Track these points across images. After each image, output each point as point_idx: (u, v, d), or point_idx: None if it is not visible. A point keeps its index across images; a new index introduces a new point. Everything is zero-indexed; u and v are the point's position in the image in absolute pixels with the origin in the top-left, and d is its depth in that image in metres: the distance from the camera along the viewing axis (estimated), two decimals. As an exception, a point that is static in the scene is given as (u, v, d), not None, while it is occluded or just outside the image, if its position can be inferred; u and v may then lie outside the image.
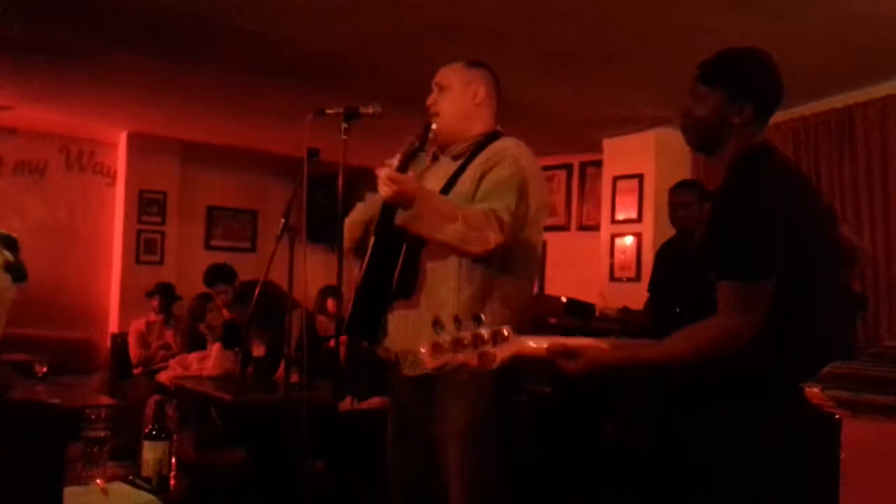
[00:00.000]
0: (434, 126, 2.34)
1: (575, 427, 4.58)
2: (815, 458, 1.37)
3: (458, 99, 2.42)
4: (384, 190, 2.16)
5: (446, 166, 2.43)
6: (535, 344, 1.73)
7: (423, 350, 1.69)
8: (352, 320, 2.50)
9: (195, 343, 5.68)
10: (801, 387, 1.09)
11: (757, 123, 1.90)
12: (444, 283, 2.28)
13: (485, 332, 1.66)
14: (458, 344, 1.66)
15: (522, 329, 2.29)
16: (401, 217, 2.18)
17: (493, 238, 2.16)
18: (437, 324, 1.69)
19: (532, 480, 2.49)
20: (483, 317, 1.69)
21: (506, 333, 1.68)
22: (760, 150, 1.88)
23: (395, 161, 2.28)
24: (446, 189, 2.34)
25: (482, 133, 2.42)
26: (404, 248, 2.32)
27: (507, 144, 2.38)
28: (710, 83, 1.91)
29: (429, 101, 2.46)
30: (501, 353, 1.67)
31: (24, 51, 4.39)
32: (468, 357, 1.66)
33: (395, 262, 2.33)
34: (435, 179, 2.41)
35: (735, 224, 1.79)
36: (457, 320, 1.69)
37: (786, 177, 1.88)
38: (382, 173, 2.17)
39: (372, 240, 2.42)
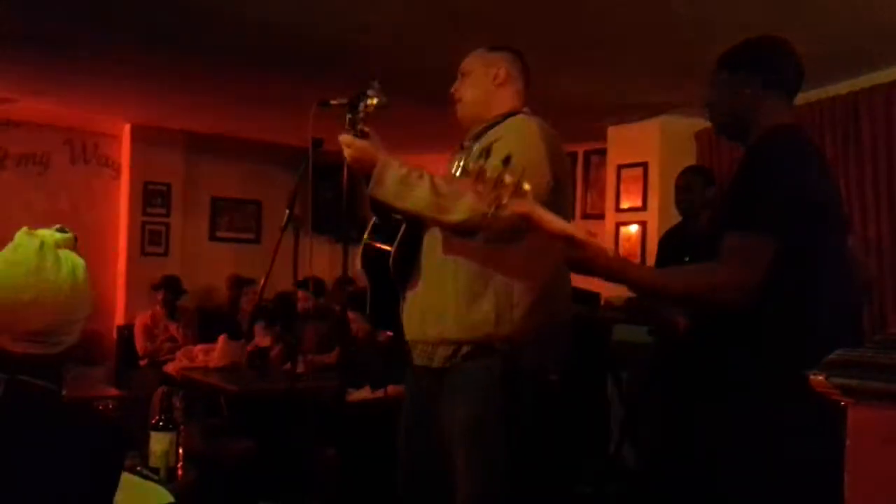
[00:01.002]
0: (376, 85, 2.22)
1: (581, 416, 4.58)
2: (822, 445, 1.37)
3: (479, 82, 2.40)
4: (345, 153, 2.16)
5: (468, 151, 2.39)
6: (549, 217, 1.68)
7: (456, 167, 1.64)
8: (371, 311, 2.49)
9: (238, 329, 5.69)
10: (807, 375, 1.09)
11: (775, 99, 1.91)
12: (443, 265, 2.23)
13: (508, 178, 1.60)
14: (481, 174, 1.61)
15: (543, 303, 2.24)
16: (369, 187, 2.14)
17: (473, 203, 2.01)
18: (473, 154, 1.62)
19: (538, 472, 2.47)
20: (515, 157, 1.62)
21: (526, 189, 1.63)
22: (784, 129, 1.89)
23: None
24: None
25: (503, 114, 2.37)
26: (403, 228, 2.28)
27: (517, 118, 2.32)
28: (721, 67, 1.97)
29: (452, 89, 2.46)
30: (514, 206, 1.62)
31: (25, 43, 4.39)
32: (485, 191, 1.61)
33: (392, 243, 2.30)
34: (455, 166, 2.37)
35: (746, 185, 1.82)
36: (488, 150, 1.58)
37: (805, 155, 1.89)
38: (340, 137, 2.15)
39: (371, 221, 2.40)
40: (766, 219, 1.73)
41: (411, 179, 2.10)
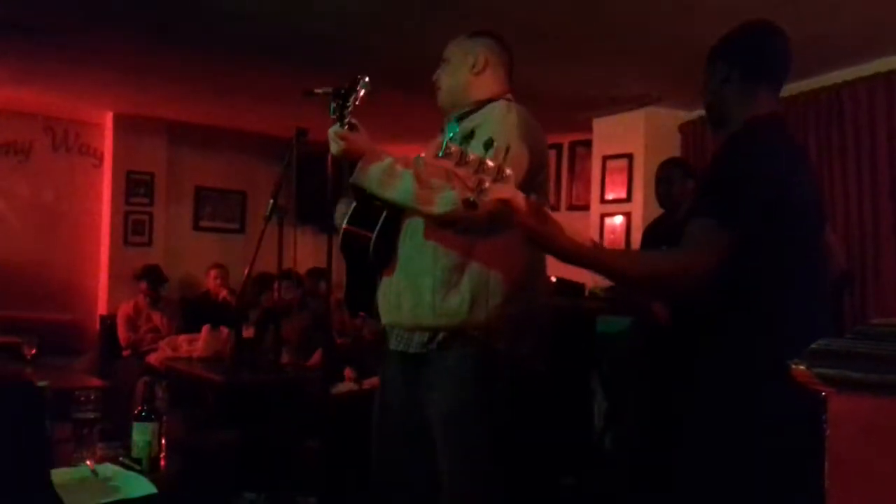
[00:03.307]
0: (366, 80, 2.19)
1: (565, 406, 4.59)
2: (801, 435, 1.38)
3: (457, 70, 2.40)
4: (332, 147, 2.17)
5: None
6: (523, 201, 1.64)
7: (429, 151, 1.61)
8: (346, 293, 2.50)
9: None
10: (788, 364, 1.10)
11: (755, 90, 1.89)
12: (422, 251, 2.24)
13: (491, 162, 1.57)
14: (463, 156, 1.56)
15: (517, 295, 2.23)
16: (353, 175, 2.16)
17: (455, 195, 2.05)
18: (452, 139, 1.62)
19: (521, 465, 2.47)
20: (496, 143, 1.57)
21: (508, 173, 1.59)
22: (760, 122, 1.86)
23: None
24: None
25: (483, 100, 2.37)
26: (383, 215, 2.28)
27: (497, 104, 2.31)
28: (708, 59, 1.96)
29: (434, 77, 2.46)
30: (496, 191, 1.58)
31: (8, 31, 4.34)
32: (466, 175, 1.57)
33: (373, 228, 2.31)
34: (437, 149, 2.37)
35: (715, 176, 1.82)
36: (469, 136, 1.59)
37: (778, 148, 1.87)
38: (329, 130, 2.17)
39: (352, 205, 2.40)
40: (723, 207, 1.72)
41: (395, 169, 2.13)
